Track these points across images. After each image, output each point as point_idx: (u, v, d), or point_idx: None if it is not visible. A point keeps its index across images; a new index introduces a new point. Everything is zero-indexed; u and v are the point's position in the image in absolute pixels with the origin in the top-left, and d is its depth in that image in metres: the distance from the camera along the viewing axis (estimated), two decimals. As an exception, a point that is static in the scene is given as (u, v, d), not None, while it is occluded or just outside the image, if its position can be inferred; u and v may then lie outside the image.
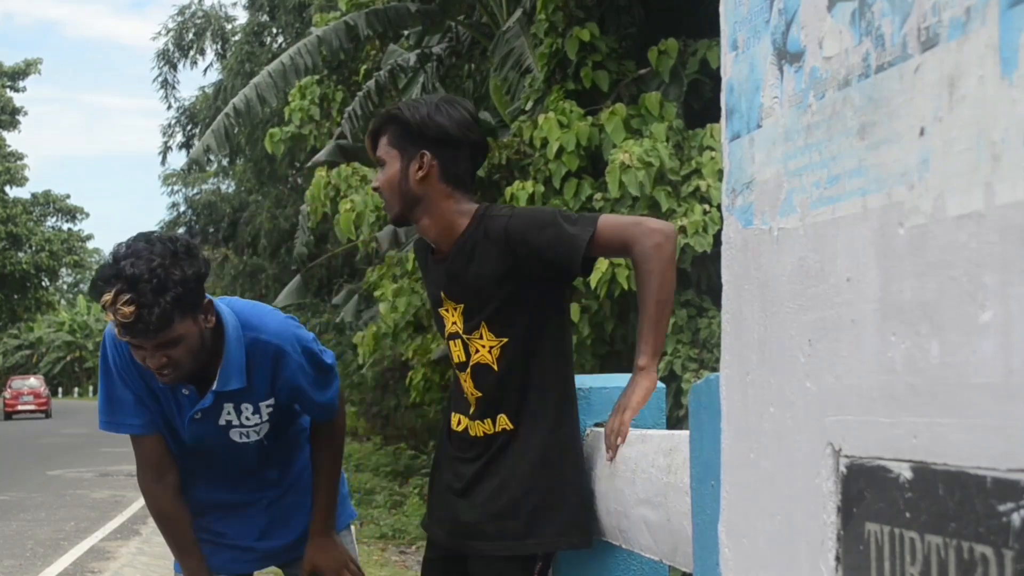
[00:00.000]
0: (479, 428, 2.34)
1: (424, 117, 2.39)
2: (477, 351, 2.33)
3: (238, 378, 2.47)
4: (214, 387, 2.46)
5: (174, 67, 27.85)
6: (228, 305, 2.51)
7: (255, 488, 2.72)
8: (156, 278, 2.24)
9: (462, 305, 2.36)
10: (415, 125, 2.38)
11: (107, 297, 2.25)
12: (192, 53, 27.45)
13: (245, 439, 2.58)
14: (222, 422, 2.53)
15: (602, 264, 6.90)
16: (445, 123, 2.39)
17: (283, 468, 2.75)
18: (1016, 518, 0.65)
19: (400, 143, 2.39)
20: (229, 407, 2.52)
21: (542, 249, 2.22)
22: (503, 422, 2.31)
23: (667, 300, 2.19)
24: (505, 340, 2.29)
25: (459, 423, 2.39)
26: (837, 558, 0.85)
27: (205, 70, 45.47)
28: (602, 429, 2.22)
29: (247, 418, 2.54)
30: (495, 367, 2.31)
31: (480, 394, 2.33)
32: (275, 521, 2.74)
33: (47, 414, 35.82)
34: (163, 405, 2.54)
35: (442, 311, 2.42)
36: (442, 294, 2.39)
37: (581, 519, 2.26)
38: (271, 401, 2.55)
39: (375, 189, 2.48)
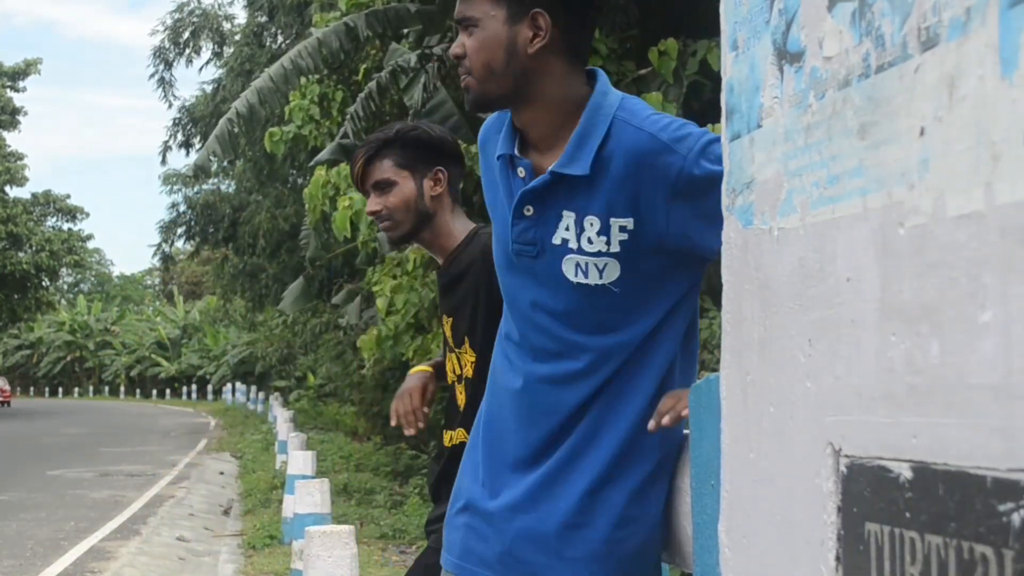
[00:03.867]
0: (459, 437, 2.39)
1: (440, 135, 2.44)
2: (464, 365, 2.38)
3: (583, 162, 1.82)
4: (554, 164, 1.85)
5: (169, 65, 27.76)
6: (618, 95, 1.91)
7: (549, 427, 1.89)
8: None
9: (451, 319, 2.41)
10: (435, 142, 2.42)
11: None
12: (188, 51, 27.35)
13: (582, 277, 1.84)
14: (557, 240, 1.85)
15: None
16: (451, 140, 2.46)
17: (606, 411, 1.87)
18: (1016, 518, 0.65)
19: (410, 163, 2.42)
20: (570, 218, 1.84)
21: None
22: (461, 435, 2.36)
23: None
24: (477, 355, 2.34)
25: (451, 439, 2.45)
26: (837, 558, 0.86)
27: (201, 68, 45.45)
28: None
29: (589, 239, 1.83)
30: (475, 381, 2.34)
31: (467, 406, 2.38)
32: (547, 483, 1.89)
33: (7, 404, 43.90)
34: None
35: (443, 323, 2.47)
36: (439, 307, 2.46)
37: None
38: (628, 221, 1.82)
39: (374, 213, 2.44)
